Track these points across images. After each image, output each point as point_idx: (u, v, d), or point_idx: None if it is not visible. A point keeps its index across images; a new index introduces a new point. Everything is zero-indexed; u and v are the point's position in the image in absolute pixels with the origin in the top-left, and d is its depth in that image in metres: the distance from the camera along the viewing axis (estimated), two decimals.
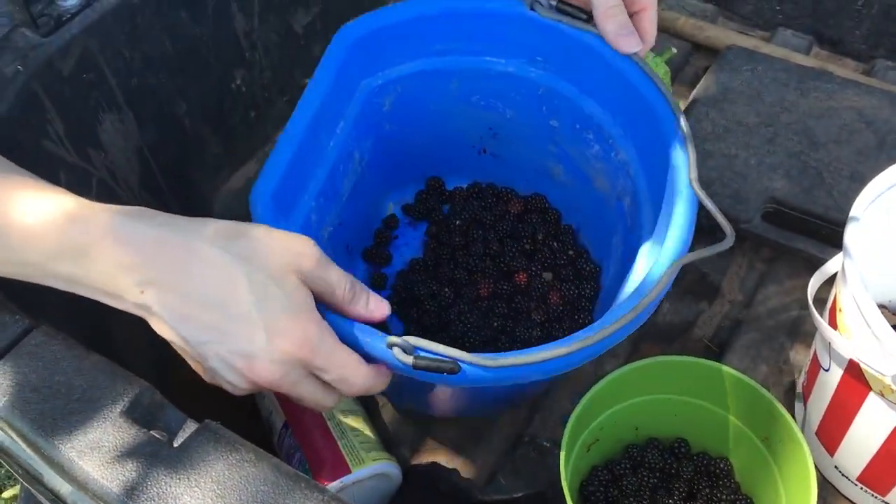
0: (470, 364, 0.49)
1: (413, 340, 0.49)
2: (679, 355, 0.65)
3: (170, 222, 0.47)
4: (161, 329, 0.47)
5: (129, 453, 0.44)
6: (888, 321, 0.73)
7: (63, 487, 0.46)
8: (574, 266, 0.78)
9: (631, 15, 0.66)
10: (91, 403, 0.46)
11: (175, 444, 0.45)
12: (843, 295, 0.61)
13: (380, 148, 0.74)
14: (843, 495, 0.70)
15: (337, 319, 0.51)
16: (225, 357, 0.47)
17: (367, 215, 0.79)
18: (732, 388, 0.64)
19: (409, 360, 0.49)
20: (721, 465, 0.67)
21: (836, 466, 0.68)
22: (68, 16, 0.65)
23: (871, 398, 0.60)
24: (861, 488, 0.67)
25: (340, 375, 0.50)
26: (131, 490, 0.43)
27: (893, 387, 0.56)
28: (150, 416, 0.47)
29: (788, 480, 0.61)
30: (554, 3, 0.67)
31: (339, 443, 0.66)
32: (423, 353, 0.49)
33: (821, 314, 0.64)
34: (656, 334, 0.82)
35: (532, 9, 0.67)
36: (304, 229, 0.62)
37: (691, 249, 0.57)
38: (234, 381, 0.48)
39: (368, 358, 0.51)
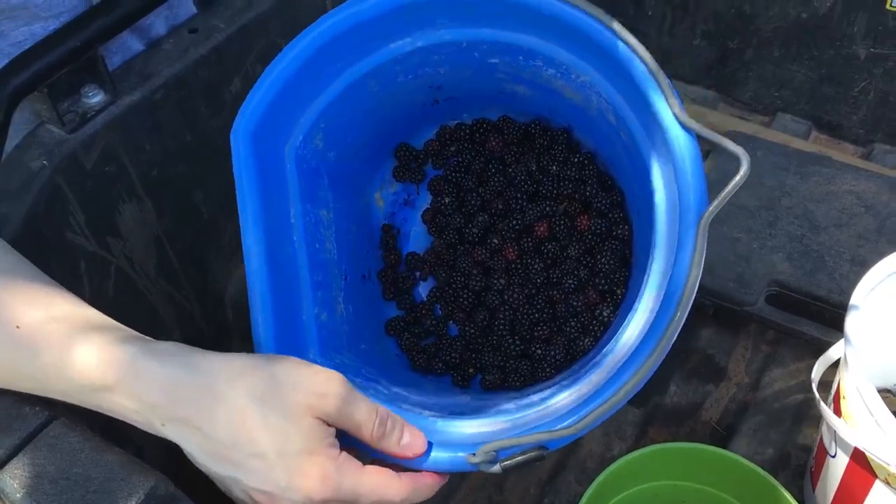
0: (555, 440, 0.49)
1: (492, 446, 0.49)
2: (686, 441, 0.66)
3: (190, 362, 0.48)
4: (190, 457, 0.49)
5: None
6: (893, 406, 0.74)
7: None
8: (586, 184, 0.69)
9: None
10: (108, 495, 0.47)
11: None
12: (845, 382, 0.62)
13: (334, 181, 0.69)
14: None
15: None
16: (250, 493, 0.48)
17: (364, 235, 0.74)
18: (739, 475, 0.64)
19: (498, 468, 0.49)
20: None
21: None
22: (93, 112, 0.68)
23: (878, 486, 0.60)
24: None
25: (378, 499, 0.49)
26: None
27: None
28: None
29: None
30: None
31: None
32: (506, 456, 0.49)
33: (825, 400, 0.65)
34: (664, 417, 0.82)
35: None
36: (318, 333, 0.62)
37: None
38: None
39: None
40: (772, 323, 0.86)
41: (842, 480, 0.64)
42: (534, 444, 0.49)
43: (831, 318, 0.83)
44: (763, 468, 0.64)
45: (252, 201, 0.59)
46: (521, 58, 0.63)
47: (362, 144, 0.70)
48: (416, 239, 0.76)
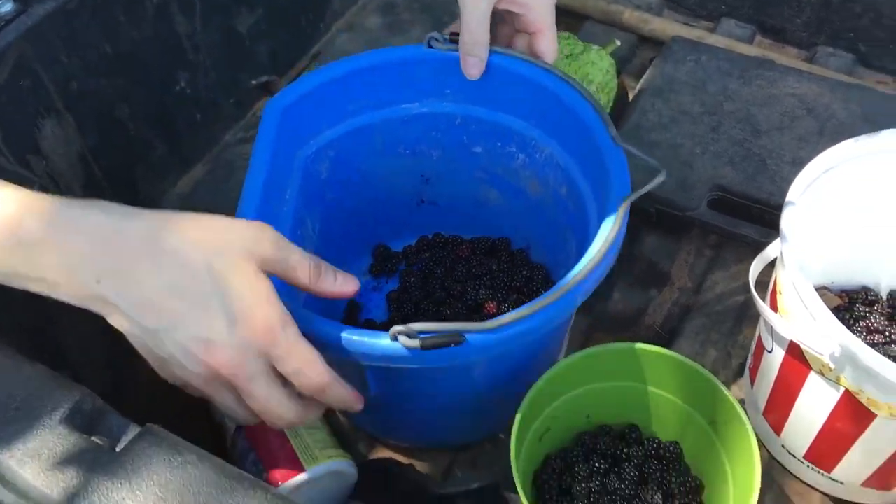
0: (473, 332, 0.51)
1: (416, 326, 0.50)
2: (629, 342, 0.66)
3: (126, 212, 0.47)
4: (117, 320, 0.47)
5: (70, 460, 0.44)
6: (830, 303, 0.75)
7: (4, 496, 0.45)
8: (533, 281, 0.79)
9: (530, 35, 0.70)
10: (30, 412, 0.46)
11: (117, 450, 0.45)
12: (781, 278, 0.62)
13: (326, 217, 0.74)
14: (791, 474, 0.71)
15: (330, 325, 0.53)
16: (183, 343, 0.46)
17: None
18: (679, 373, 0.65)
19: (416, 343, 0.50)
20: (671, 449, 0.68)
21: (783, 446, 0.69)
22: (2, 23, 0.64)
23: (812, 377, 0.61)
24: (808, 466, 0.68)
25: (298, 367, 0.49)
26: (72, 496, 0.43)
27: (832, 365, 0.58)
28: (91, 422, 0.46)
29: (734, 460, 0.63)
30: (447, 36, 0.70)
31: (292, 442, 0.66)
32: (425, 335, 0.51)
33: (763, 297, 0.65)
34: (608, 323, 0.83)
35: (430, 47, 0.70)
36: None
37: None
38: (191, 367, 0.48)
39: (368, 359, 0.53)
40: (714, 227, 0.86)
41: (778, 374, 0.65)
42: (453, 329, 0.51)
43: (771, 221, 0.84)
44: (706, 368, 0.65)
45: (264, 154, 0.63)
46: (499, 143, 0.75)
47: (344, 233, 0.78)
48: (378, 312, 0.82)
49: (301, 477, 0.64)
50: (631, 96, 0.98)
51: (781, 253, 0.61)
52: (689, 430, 0.67)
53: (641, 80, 0.97)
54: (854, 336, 0.54)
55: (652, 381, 0.67)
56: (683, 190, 0.86)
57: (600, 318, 0.83)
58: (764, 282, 0.68)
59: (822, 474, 0.68)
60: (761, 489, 0.64)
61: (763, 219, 0.85)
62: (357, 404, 0.55)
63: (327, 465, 0.65)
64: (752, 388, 0.73)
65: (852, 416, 0.60)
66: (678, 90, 0.94)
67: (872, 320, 0.73)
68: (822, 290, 0.76)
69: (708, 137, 0.90)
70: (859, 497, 0.69)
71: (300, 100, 0.68)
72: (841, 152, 0.65)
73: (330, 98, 0.70)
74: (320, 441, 0.68)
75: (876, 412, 0.58)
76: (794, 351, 0.62)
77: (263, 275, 0.48)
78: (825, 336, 0.56)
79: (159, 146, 0.80)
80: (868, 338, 0.73)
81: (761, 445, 0.73)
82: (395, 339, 0.51)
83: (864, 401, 0.58)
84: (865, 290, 0.76)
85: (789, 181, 0.83)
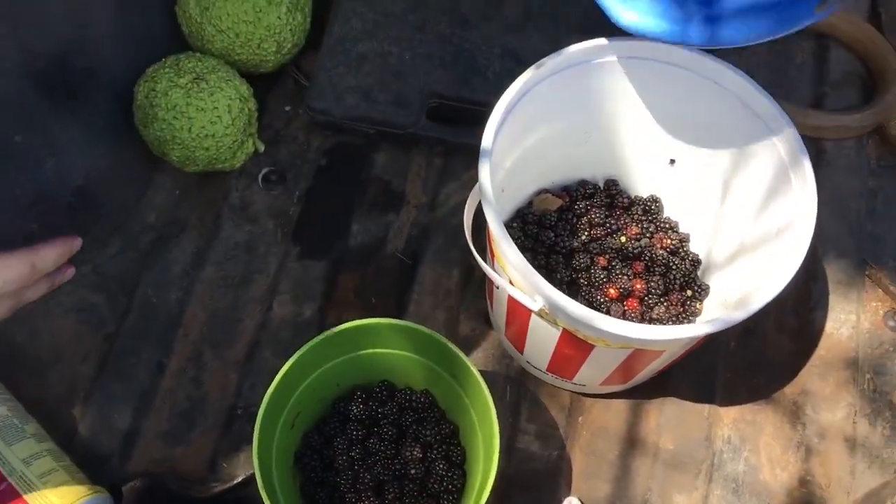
0: None
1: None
2: (364, 319, 0.64)
3: None
4: None
5: None
6: (552, 204, 0.76)
7: None
8: None
9: None
10: None
11: None
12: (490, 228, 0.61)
13: None
14: (542, 381, 0.75)
15: None
16: None
17: None
18: (415, 337, 0.65)
19: None
20: (423, 399, 0.69)
21: (528, 361, 0.72)
22: None
23: (534, 318, 0.62)
24: (552, 376, 0.72)
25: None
26: None
27: (548, 311, 0.59)
28: None
29: (476, 407, 0.64)
30: None
31: (25, 497, 0.62)
32: None
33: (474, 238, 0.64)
34: (351, 261, 0.80)
35: None
36: None
37: None
38: None
39: None
40: (437, 140, 0.83)
41: (507, 309, 0.66)
42: None
43: None
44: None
45: None
46: None
47: None
48: None
49: None
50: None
51: (483, 209, 0.59)
52: (437, 383, 0.68)
53: None
54: (559, 292, 0.55)
55: (395, 346, 0.67)
56: (400, 106, 0.82)
57: (342, 258, 0.80)
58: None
59: (566, 381, 0.71)
60: (521, 394, 0.69)
61: (483, 121, 0.83)
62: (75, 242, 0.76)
63: None
64: (491, 310, 0.74)
65: (575, 346, 0.62)
66: None
67: (593, 215, 0.75)
68: (543, 193, 0.77)
69: (416, 39, 0.85)
70: (601, 391, 0.73)
71: None
72: (532, 76, 0.63)
73: None
74: (61, 485, 0.63)
75: (594, 344, 0.60)
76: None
77: None
78: (533, 291, 0.57)
79: None
80: (592, 232, 0.75)
81: (511, 358, 0.75)
82: None
83: (581, 336, 0.60)
84: (583, 183, 0.78)
85: (501, 77, 0.81)
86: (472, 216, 0.65)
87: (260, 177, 0.83)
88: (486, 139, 0.61)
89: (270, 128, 0.86)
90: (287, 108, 0.87)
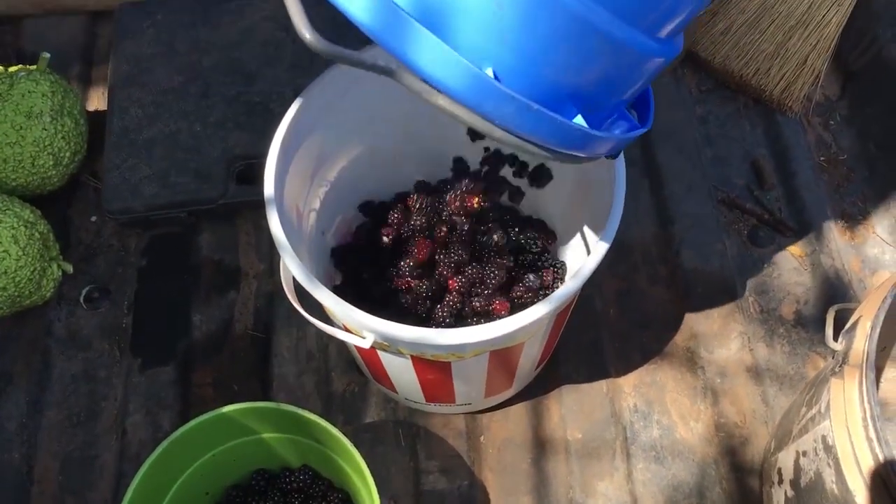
0: None
1: None
2: (236, 404, 0.58)
3: None
4: None
5: None
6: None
7: None
8: None
9: None
10: None
11: None
12: None
13: None
14: (430, 414, 0.70)
15: None
16: None
17: None
18: (265, 415, 0.59)
19: None
20: (303, 476, 0.63)
21: (406, 398, 0.67)
22: None
23: (382, 354, 0.57)
24: (436, 405, 0.67)
25: None
26: None
27: (383, 342, 0.54)
28: None
29: (351, 465, 0.59)
30: None
31: None
32: None
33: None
34: (200, 353, 0.74)
35: None
36: None
37: None
38: None
39: None
40: (256, 202, 0.78)
41: (358, 351, 0.62)
42: None
43: None
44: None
45: None
46: None
47: None
48: None
49: None
50: (98, 100, 0.86)
51: (284, 260, 0.54)
52: (311, 453, 0.62)
53: (109, 75, 0.83)
54: (387, 322, 0.50)
55: (251, 431, 0.61)
56: (203, 182, 0.77)
57: (190, 354, 0.74)
58: None
59: (451, 405, 0.67)
60: (414, 434, 0.67)
61: None
62: None
63: None
64: (356, 359, 0.69)
65: (432, 368, 0.58)
66: (149, 67, 0.82)
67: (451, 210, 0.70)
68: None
69: (203, 108, 0.80)
70: (491, 403, 0.69)
71: None
72: (300, 106, 0.59)
73: None
74: None
75: (447, 360, 0.56)
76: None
77: None
78: (363, 329, 0.52)
79: None
80: (453, 235, 0.70)
81: (395, 402, 0.70)
82: None
83: (430, 357, 0.55)
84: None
85: None
86: (289, 271, 0.60)
87: (81, 298, 0.77)
88: (268, 188, 0.56)
89: (80, 244, 0.80)
90: (93, 219, 0.81)
